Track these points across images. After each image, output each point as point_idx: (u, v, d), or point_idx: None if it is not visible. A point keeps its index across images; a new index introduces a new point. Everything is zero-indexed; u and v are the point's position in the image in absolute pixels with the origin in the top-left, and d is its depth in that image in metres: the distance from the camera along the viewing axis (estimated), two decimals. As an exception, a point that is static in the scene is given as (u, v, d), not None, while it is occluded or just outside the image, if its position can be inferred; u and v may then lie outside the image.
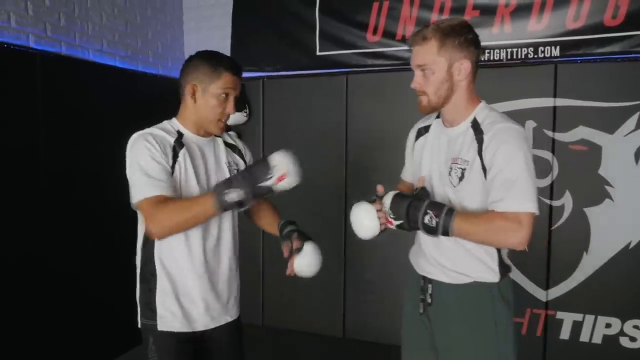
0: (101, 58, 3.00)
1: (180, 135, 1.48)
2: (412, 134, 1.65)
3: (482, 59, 3.01)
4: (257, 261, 3.55)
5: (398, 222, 1.32)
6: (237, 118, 3.42)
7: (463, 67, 1.39)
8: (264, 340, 3.30)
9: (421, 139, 1.58)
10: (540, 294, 2.94)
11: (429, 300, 1.49)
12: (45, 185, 2.53)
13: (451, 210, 1.29)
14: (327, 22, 3.33)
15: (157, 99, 3.38)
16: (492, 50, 2.99)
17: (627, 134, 2.73)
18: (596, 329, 2.85)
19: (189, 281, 1.47)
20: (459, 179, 1.40)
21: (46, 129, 2.53)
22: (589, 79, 2.79)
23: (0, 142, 2.31)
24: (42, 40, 2.60)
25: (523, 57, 2.94)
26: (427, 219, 1.28)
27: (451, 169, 1.42)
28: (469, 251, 1.41)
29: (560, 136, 2.85)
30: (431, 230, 1.30)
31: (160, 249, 1.45)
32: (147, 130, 1.45)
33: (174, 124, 1.51)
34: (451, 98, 1.41)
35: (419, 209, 1.29)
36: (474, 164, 1.37)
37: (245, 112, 3.46)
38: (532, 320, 2.96)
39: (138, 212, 1.46)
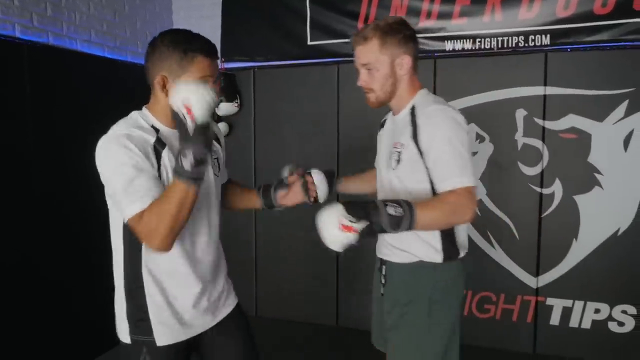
0: (89, 48, 2.96)
1: (156, 131, 1.32)
2: (381, 123, 1.75)
3: (472, 48, 3.02)
4: (250, 252, 3.56)
5: (360, 225, 1.24)
6: (228, 109, 3.41)
7: (404, 62, 1.48)
8: (258, 331, 3.31)
9: (381, 130, 1.71)
10: (530, 280, 2.98)
11: (383, 281, 1.58)
12: (33, 177, 2.51)
13: (409, 202, 1.30)
14: (318, 11, 3.30)
15: (147, 90, 3.36)
16: (482, 39, 2.99)
17: (616, 122, 2.75)
18: (585, 314, 2.89)
19: (182, 288, 1.37)
20: (396, 162, 1.48)
21: (34, 119, 2.50)
22: (579, 67, 2.81)
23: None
24: (29, 30, 2.56)
25: (514, 45, 2.94)
26: (390, 210, 1.26)
27: (392, 153, 1.51)
28: (415, 232, 1.42)
29: (550, 124, 2.87)
30: (397, 221, 1.27)
31: (148, 259, 1.32)
32: (120, 131, 1.27)
33: (147, 117, 1.35)
34: (397, 91, 1.52)
35: (378, 205, 1.28)
36: (409, 147, 1.45)
37: (236, 103, 3.44)
38: (523, 306, 3.00)
39: (114, 226, 1.34)
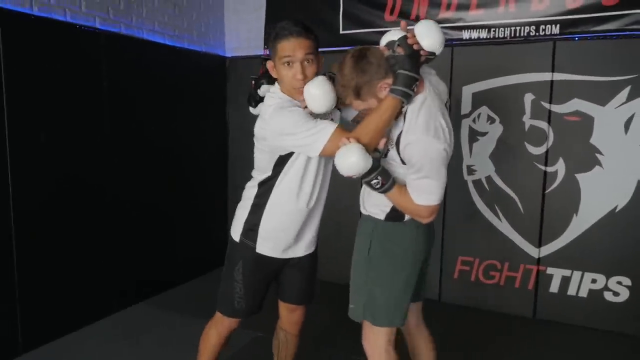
0: (153, 37, 3.51)
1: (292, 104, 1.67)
2: None
3: (487, 37, 3.29)
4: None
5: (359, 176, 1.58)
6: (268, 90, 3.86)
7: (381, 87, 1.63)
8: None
9: None
10: (533, 251, 3.25)
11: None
12: (108, 142, 3.09)
13: (393, 182, 1.58)
14: (349, 3, 3.68)
15: (200, 72, 3.89)
16: (497, 29, 3.25)
17: (618, 106, 2.95)
18: (583, 284, 3.13)
19: (290, 221, 1.79)
20: (384, 154, 1.69)
21: (109, 95, 3.07)
22: (585, 55, 3.02)
23: (70, 106, 2.86)
24: (106, 22, 3.12)
25: (525, 35, 3.19)
26: (374, 182, 1.57)
27: (387, 142, 1.69)
28: (372, 195, 1.70)
29: (556, 108, 3.10)
30: (371, 188, 1.60)
31: (277, 191, 1.75)
32: (277, 101, 1.65)
33: (280, 95, 1.69)
34: None
35: (372, 172, 1.55)
36: (393, 149, 1.65)
37: (276, 85, 3.89)
38: (525, 275, 3.28)
39: (265, 160, 1.74)
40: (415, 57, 1.51)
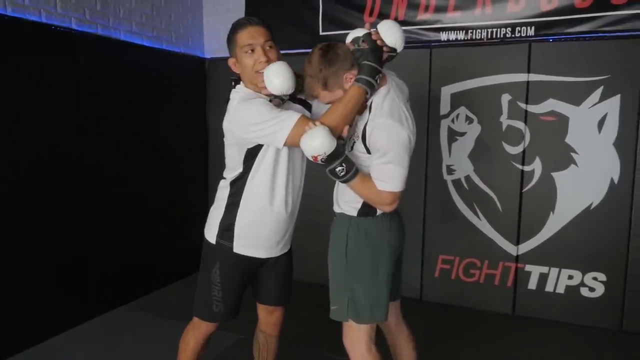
0: (131, 38, 3.47)
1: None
2: None
3: (464, 38, 3.35)
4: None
5: (323, 162, 1.59)
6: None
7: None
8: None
9: None
10: (511, 249, 3.30)
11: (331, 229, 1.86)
12: (84, 144, 3.04)
13: (357, 171, 1.62)
14: (329, 5, 3.70)
15: (179, 74, 3.86)
16: (474, 30, 3.31)
17: (591, 106, 3.03)
18: (560, 280, 3.20)
19: (266, 218, 1.78)
20: (350, 147, 1.73)
21: (86, 97, 3.02)
22: (560, 56, 3.09)
23: (45, 105, 2.81)
24: (82, 23, 3.08)
25: (501, 36, 3.25)
26: (338, 170, 1.60)
27: (352, 136, 1.75)
28: (346, 193, 1.73)
29: (532, 108, 3.17)
30: (335, 175, 1.62)
31: (249, 188, 1.74)
32: (240, 93, 1.72)
33: (244, 90, 1.74)
34: None
35: (336, 159, 1.58)
36: (359, 141, 1.69)
37: (256, 86, 3.88)
38: (504, 272, 3.33)
39: (235, 156, 1.75)
40: (378, 51, 1.60)
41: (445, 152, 3.39)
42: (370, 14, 3.58)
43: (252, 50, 1.67)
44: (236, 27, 1.72)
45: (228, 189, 1.81)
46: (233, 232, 1.80)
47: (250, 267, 1.87)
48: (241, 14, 3.99)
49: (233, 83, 4.30)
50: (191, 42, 4.06)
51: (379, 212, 1.71)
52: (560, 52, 3.09)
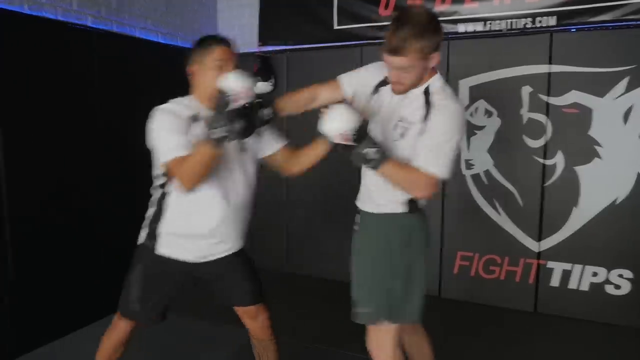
0: (146, 35, 3.47)
1: (195, 110, 1.71)
2: (381, 72, 1.74)
3: (483, 30, 3.27)
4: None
5: (351, 143, 1.50)
6: (263, 87, 3.82)
7: (435, 58, 1.55)
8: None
9: (376, 95, 1.75)
10: (532, 245, 3.22)
11: (357, 228, 1.80)
12: (99, 134, 3.04)
13: (387, 155, 1.53)
14: (343, -2, 3.66)
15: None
16: (493, 21, 3.23)
17: (616, 97, 2.93)
18: (584, 277, 3.11)
19: (196, 220, 1.74)
20: (400, 136, 1.61)
21: (101, 94, 3.02)
22: (583, 46, 3.00)
23: (62, 105, 2.82)
24: (98, 20, 3.08)
25: (522, 27, 3.16)
26: (369, 151, 1.51)
27: (397, 125, 1.63)
28: (389, 190, 1.65)
29: (554, 100, 3.08)
30: (364, 160, 1.52)
31: (175, 193, 1.73)
32: (165, 106, 1.71)
33: (190, 101, 1.75)
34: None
35: (370, 142, 1.51)
36: (417, 127, 1.58)
37: (271, 82, 3.84)
38: (525, 269, 3.25)
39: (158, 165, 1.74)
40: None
41: (464, 146, 3.32)
42: (386, 7, 3.52)
43: (222, 67, 1.69)
44: (213, 41, 1.73)
45: (158, 192, 1.81)
46: (160, 235, 1.79)
47: (175, 270, 1.83)
48: (255, 9, 3.97)
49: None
50: (206, 39, 4.04)
51: (419, 205, 1.69)
52: (583, 42, 3.00)
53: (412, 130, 1.59)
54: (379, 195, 1.72)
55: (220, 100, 1.51)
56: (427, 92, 1.60)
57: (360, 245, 1.78)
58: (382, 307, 1.67)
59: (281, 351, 2.03)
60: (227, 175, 1.77)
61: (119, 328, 1.94)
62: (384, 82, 1.74)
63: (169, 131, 1.64)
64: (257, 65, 4.30)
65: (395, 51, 1.49)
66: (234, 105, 1.50)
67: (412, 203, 1.68)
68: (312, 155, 1.86)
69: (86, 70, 2.94)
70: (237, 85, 1.50)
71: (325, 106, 1.56)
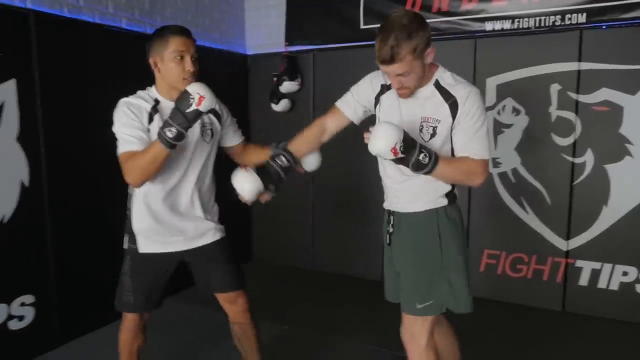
0: (177, 36, 3.56)
1: (156, 102, 1.78)
2: (377, 82, 1.78)
3: (511, 28, 3.26)
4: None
5: (401, 155, 1.52)
6: (290, 87, 3.89)
7: (430, 53, 1.57)
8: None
9: (383, 95, 1.77)
10: (561, 243, 3.20)
11: (391, 230, 1.80)
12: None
13: (437, 155, 1.56)
14: (370, -3, 3.68)
15: (222, 71, 3.93)
16: (521, 19, 3.22)
17: (648, 95, 2.90)
18: (613, 276, 3.08)
19: (161, 215, 1.84)
20: (430, 135, 1.64)
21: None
22: (613, 43, 2.97)
23: (102, 102, 2.92)
24: (132, 22, 3.18)
25: (551, 24, 3.14)
26: (422, 157, 1.54)
27: (422, 126, 1.65)
28: (424, 186, 1.69)
29: (583, 98, 3.05)
30: (421, 167, 1.53)
31: (140, 193, 1.83)
32: (127, 98, 1.78)
33: (151, 92, 1.82)
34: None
35: (417, 148, 1.53)
36: (446, 122, 1.61)
37: (298, 82, 3.91)
38: (553, 268, 3.23)
39: None
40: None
41: (491, 144, 3.32)
42: (412, 6, 3.53)
43: (181, 58, 1.73)
44: (171, 31, 1.75)
45: (132, 193, 1.88)
46: (134, 233, 1.88)
47: (161, 263, 1.92)
48: (282, 9, 4.03)
49: (275, 79, 4.32)
50: (233, 39, 4.12)
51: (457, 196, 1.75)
52: (613, 39, 2.97)
53: (441, 127, 1.62)
54: (418, 195, 1.73)
55: (182, 100, 1.58)
56: (439, 87, 1.63)
57: (408, 245, 1.76)
58: (444, 300, 1.72)
59: (300, 341, 2.06)
60: (186, 163, 1.85)
61: (127, 319, 2.03)
62: (383, 91, 1.76)
63: (124, 124, 1.71)
64: (284, 65, 4.37)
65: (388, 60, 1.52)
66: (195, 107, 1.57)
67: (451, 195, 1.73)
68: (254, 159, 2.01)
69: (121, 72, 3.04)
70: (200, 90, 1.59)
71: (367, 130, 1.56)
